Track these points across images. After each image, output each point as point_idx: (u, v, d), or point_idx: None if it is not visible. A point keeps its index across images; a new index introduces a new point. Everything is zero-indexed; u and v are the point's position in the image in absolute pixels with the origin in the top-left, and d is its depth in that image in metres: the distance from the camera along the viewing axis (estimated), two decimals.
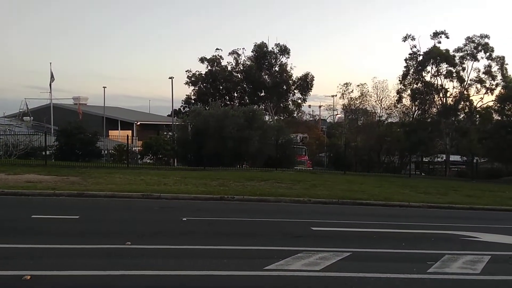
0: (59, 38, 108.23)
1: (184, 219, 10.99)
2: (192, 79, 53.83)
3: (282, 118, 52.81)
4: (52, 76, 37.78)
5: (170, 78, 38.64)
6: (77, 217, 10.58)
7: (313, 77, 51.05)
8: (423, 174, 35.26)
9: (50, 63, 47.66)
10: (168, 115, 56.81)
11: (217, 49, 54.01)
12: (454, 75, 35.86)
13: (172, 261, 7.11)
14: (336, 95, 49.62)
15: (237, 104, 45.62)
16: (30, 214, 10.52)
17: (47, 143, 25.82)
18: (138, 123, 49.12)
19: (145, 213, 11.92)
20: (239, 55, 52.77)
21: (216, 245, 8.36)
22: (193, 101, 53.69)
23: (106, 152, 29.38)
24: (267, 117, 44.07)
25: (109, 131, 39.67)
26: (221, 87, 53.88)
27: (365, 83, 43.27)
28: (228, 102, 49.87)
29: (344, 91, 43.97)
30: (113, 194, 14.22)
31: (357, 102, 43.30)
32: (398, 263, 7.88)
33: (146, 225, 10.19)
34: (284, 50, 49.66)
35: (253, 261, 7.39)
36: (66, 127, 26.14)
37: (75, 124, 26.72)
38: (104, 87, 43.15)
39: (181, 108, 56.68)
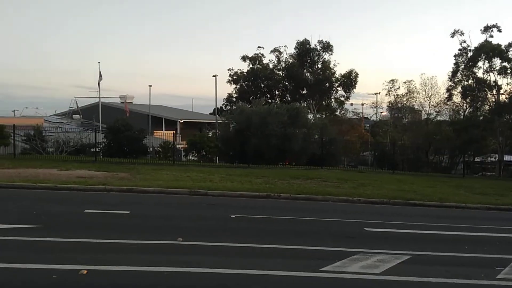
0: (107, 38, 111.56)
1: (233, 216, 10.85)
2: (234, 77, 53.99)
3: (324, 116, 52.04)
4: (100, 76, 38.76)
5: (214, 76, 38.91)
6: (128, 212, 10.65)
7: (357, 74, 50.02)
8: (480, 174, 33.73)
9: (99, 62, 48.86)
10: (210, 113, 57.29)
11: (259, 47, 53.97)
12: (509, 71, 34.06)
13: (224, 259, 6.94)
14: (380, 93, 48.36)
15: (279, 102, 45.32)
16: (83, 209, 10.69)
17: (96, 141, 26.56)
18: (182, 121, 49.79)
19: (194, 210, 11.87)
20: (280, 53, 52.52)
21: (268, 243, 8.15)
22: (235, 99, 53.87)
23: (151, 149, 29.83)
24: (309, 115, 43.51)
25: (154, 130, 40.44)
26: (262, 85, 53.76)
27: (412, 80, 41.85)
28: (269, 100, 49.68)
29: (390, 88, 42.70)
30: (161, 190, 14.29)
31: (404, 100, 41.95)
32: (463, 267, 7.39)
33: (196, 222, 10.13)
34: (327, 47, 48.87)
35: (308, 262, 7.13)
36: (114, 124, 26.72)
37: (122, 121, 27.26)
38: (150, 86, 43.88)
39: (223, 106, 57.02)
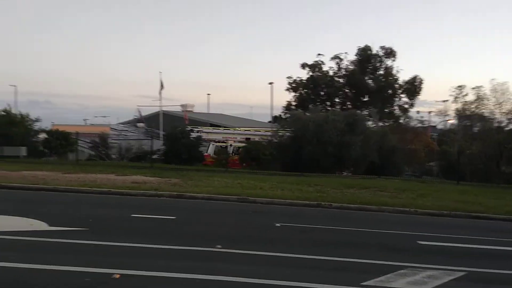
0: (171, 49, 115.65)
1: (278, 224, 10.55)
2: (293, 85, 53.69)
3: (387, 124, 50.31)
4: (161, 85, 40.13)
5: (269, 83, 38.90)
6: (174, 217, 10.67)
7: (422, 80, 47.96)
8: None
9: (160, 72, 50.94)
10: (269, 121, 57.40)
11: (318, 54, 53.28)
12: None
13: (261, 269, 6.68)
14: (447, 100, 45.96)
15: (339, 110, 44.45)
16: (131, 213, 10.85)
17: (156, 148, 27.37)
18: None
19: (239, 217, 11.72)
20: (341, 59, 51.56)
21: (309, 254, 7.76)
22: (294, 107, 53.55)
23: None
24: (370, 123, 42.24)
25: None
26: (322, 93, 53.05)
27: (481, 86, 39.31)
28: (329, 108, 48.88)
29: (458, 95, 40.37)
30: (210, 196, 14.29)
31: (473, 107, 39.49)
32: None
33: (238, 229, 9.96)
34: (390, 53, 47.39)
35: (350, 275, 6.71)
36: (172, 132, 27.37)
37: (180, 129, 27.85)
38: (208, 94, 44.81)
39: (282, 114, 56.87)
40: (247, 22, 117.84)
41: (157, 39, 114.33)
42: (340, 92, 52.59)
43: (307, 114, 31.17)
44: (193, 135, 29.38)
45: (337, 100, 53.56)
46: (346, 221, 12.02)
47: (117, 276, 6.01)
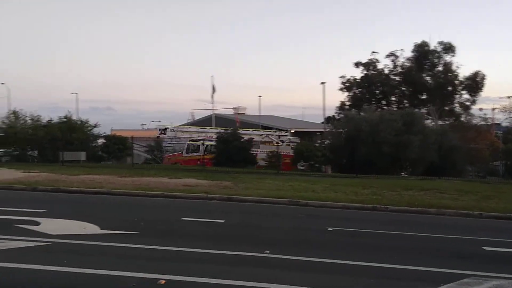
0: (223, 52, 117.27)
1: (330, 229, 10.14)
2: (347, 84, 52.54)
3: (447, 122, 48.01)
4: (213, 89, 40.60)
5: (321, 83, 38.23)
6: (223, 221, 10.55)
7: (484, 76, 45.35)
8: None
9: (212, 76, 51.49)
10: (322, 122, 56.58)
11: (373, 52, 51.82)
12: None
13: (309, 276, 6.37)
14: None
15: (395, 109, 42.95)
16: (181, 216, 10.86)
17: (207, 150, 27.60)
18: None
19: (289, 220, 11.40)
20: (396, 57, 49.88)
21: (361, 260, 7.34)
22: (348, 107, 52.40)
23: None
24: (429, 121, 40.39)
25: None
26: (377, 92, 51.54)
27: None
28: (385, 107, 47.38)
29: None
30: (260, 199, 14.09)
31: None
32: None
33: (288, 233, 9.67)
34: (449, 48, 45.21)
35: (404, 284, 6.25)
36: (223, 134, 27.50)
37: (231, 132, 27.93)
38: (260, 96, 44.74)
39: (335, 114, 55.83)
40: (297, 23, 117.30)
41: (210, 44, 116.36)
42: (396, 91, 50.87)
43: (362, 114, 30.30)
44: (169, 134, 29.79)
45: (393, 99, 51.84)
46: (403, 225, 11.38)
47: (163, 282, 5.92)
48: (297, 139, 34.34)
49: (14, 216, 9.99)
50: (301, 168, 27.78)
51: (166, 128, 31.33)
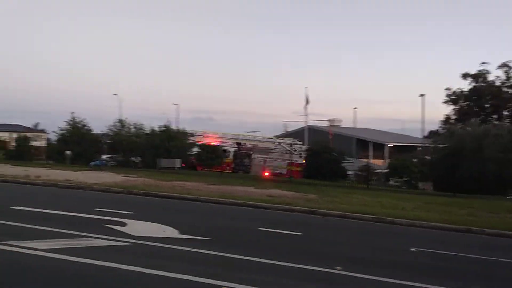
0: (317, 63, 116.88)
1: (413, 249, 9.45)
2: (452, 97, 49.33)
3: None
4: (307, 100, 40.47)
5: (420, 95, 36.22)
6: (300, 234, 10.36)
7: None
8: None
9: (306, 87, 51.33)
10: (425, 136, 53.57)
11: (482, 63, 48.19)
12: None
13: None
14: None
15: (508, 123, 39.30)
16: (258, 226, 10.86)
17: (296, 162, 27.54)
18: (391, 145, 47.89)
19: (370, 238, 10.87)
20: (510, 67, 45.84)
21: (440, 285, 6.68)
22: (454, 121, 49.08)
23: (352, 172, 29.30)
24: None
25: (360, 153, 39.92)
26: (487, 105, 47.68)
27: None
28: (496, 122, 43.59)
29: None
30: (344, 214, 13.63)
31: None
32: None
33: (366, 251, 9.19)
34: None
35: None
36: (313, 147, 27.25)
37: (322, 144, 27.59)
38: (355, 108, 43.70)
39: (440, 128, 52.54)
40: (397, 33, 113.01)
41: (302, 55, 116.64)
42: (510, 104, 46.69)
43: (467, 128, 28.15)
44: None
45: (506, 113, 47.63)
46: (498, 250, 10.25)
47: None
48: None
49: (105, 216, 10.74)
50: (396, 184, 26.52)
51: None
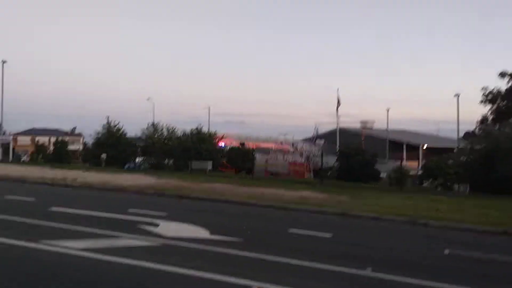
0: (350, 65, 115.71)
1: (447, 252, 9.25)
2: (489, 97, 47.81)
3: None
4: (338, 102, 40.18)
5: (455, 96, 35.28)
6: (330, 235, 10.31)
7: None
8: None
9: (338, 89, 50.80)
10: (461, 138, 52.20)
11: None
12: None
13: None
14: None
15: None
16: (288, 228, 10.87)
17: (329, 165, 27.39)
18: (425, 147, 46.92)
19: (401, 239, 10.73)
20: None
21: None
22: (491, 122, 47.55)
23: (385, 174, 28.86)
24: None
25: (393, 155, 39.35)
26: None
27: None
28: None
29: None
30: (376, 216, 13.45)
31: None
32: None
33: (397, 253, 9.10)
34: None
35: None
36: (344, 149, 27.02)
37: (354, 146, 27.34)
38: (387, 109, 43.00)
39: (476, 129, 51.00)
40: (429, 32, 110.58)
41: (337, 56, 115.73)
42: None
43: (504, 129, 27.27)
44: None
45: None
46: None
47: None
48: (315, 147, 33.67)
49: (139, 217, 11.02)
50: (430, 186, 25.95)
51: None
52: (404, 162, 28.66)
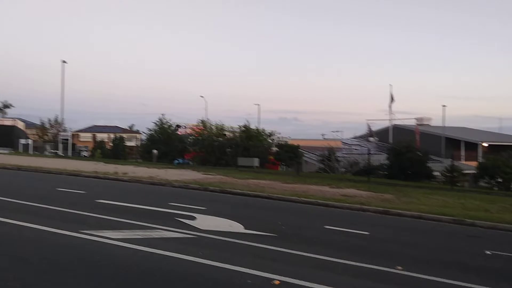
0: (402, 61, 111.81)
1: (488, 252, 8.84)
2: None
3: None
4: (392, 98, 39.05)
5: None
6: (367, 233, 10.14)
7: None
8: None
9: (390, 85, 49.37)
10: None
11: None
12: None
13: None
14: None
15: None
16: (325, 224, 10.82)
17: (381, 162, 26.73)
18: (485, 144, 44.57)
19: (444, 239, 10.33)
20: None
21: None
22: None
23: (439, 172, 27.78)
24: None
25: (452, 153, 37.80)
26: None
27: None
28: None
29: None
30: (420, 215, 13.03)
31: None
32: None
33: (435, 252, 8.78)
34: None
35: None
36: (395, 146, 26.27)
37: (405, 143, 26.51)
38: (444, 106, 41.29)
39: None
40: (489, 23, 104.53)
41: (388, 54, 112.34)
42: None
43: None
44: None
45: None
46: None
47: (277, 282, 6.02)
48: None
49: (178, 210, 11.35)
50: (486, 185, 24.68)
51: None
52: (462, 160, 27.44)
